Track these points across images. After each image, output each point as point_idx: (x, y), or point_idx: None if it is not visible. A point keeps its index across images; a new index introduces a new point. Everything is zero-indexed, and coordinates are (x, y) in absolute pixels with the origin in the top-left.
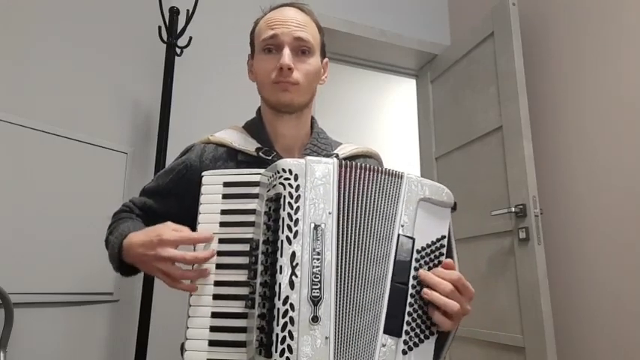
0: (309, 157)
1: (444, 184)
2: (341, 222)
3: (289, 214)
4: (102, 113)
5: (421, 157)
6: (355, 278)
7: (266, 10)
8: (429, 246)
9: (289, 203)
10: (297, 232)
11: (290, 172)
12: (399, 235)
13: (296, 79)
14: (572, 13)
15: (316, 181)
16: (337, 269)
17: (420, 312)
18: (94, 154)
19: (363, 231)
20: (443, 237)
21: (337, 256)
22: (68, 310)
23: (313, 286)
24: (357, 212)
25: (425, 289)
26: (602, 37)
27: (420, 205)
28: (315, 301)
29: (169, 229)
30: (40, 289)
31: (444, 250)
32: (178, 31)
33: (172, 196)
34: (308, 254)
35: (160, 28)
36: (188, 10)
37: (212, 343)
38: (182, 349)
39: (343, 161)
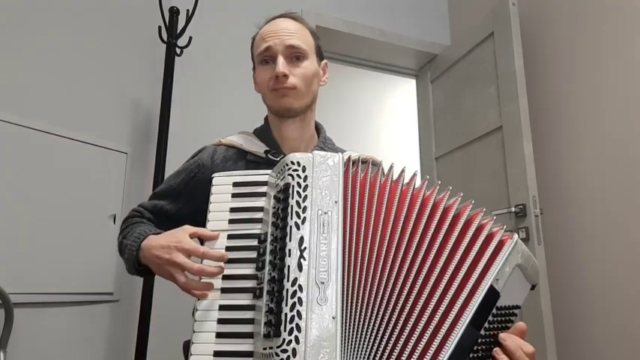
0: (316, 152)
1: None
2: (348, 210)
3: (298, 202)
4: (102, 113)
5: (421, 157)
6: (363, 264)
7: (260, 24)
8: (506, 308)
9: (297, 192)
10: (305, 218)
11: (298, 164)
12: (491, 285)
13: (293, 84)
14: (572, 13)
15: (323, 173)
16: (343, 254)
17: None
18: (94, 154)
19: (371, 221)
20: (517, 307)
21: (343, 242)
22: (68, 310)
23: (320, 269)
24: (362, 203)
25: (498, 351)
26: (601, 36)
27: (515, 270)
28: (323, 283)
29: (187, 236)
30: (40, 289)
31: (514, 319)
32: (178, 31)
33: (184, 196)
34: (315, 239)
35: (160, 28)
36: (188, 10)
37: (219, 335)
38: (184, 347)
39: (350, 157)
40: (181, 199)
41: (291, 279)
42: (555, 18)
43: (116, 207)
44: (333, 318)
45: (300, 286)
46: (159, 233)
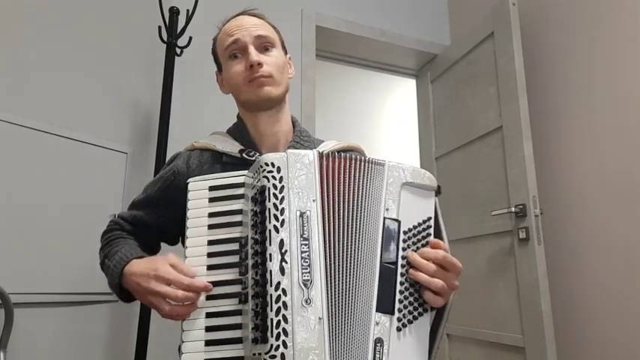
0: (290, 150)
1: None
2: (325, 208)
3: (275, 204)
4: (102, 113)
5: (421, 157)
6: (344, 260)
7: (220, 25)
8: (415, 227)
9: (274, 194)
10: (283, 220)
11: (272, 165)
12: (384, 218)
13: (269, 72)
14: (573, 12)
15: (298, 172)
16: (325, 252)
17: (411, 290)
18: (94, 154)
19: (348, 215)
20: (429, 218)
21: (324, 240)
22: (68, 310)
23: (303, 270)
24: (340, 198)
25: (411, 270)
26: (602, 36)
27: (404, 189)
28: (306, 284)
29: (167, 265)
30: (40, 289)
31: (430, 231)
32: (178, 31)
33: (162, 204)
34: (296, 240)
35: (160, 28)
36: (188, 10)
37: (208, 342)
38: (180, 350)
39: (323, 152)
40: (159, 209)
41: (274, 283)
42: (555, 18)
43: (116, 207)
44: (320, 319)
45: (283, 290)
46: (142, 257)
